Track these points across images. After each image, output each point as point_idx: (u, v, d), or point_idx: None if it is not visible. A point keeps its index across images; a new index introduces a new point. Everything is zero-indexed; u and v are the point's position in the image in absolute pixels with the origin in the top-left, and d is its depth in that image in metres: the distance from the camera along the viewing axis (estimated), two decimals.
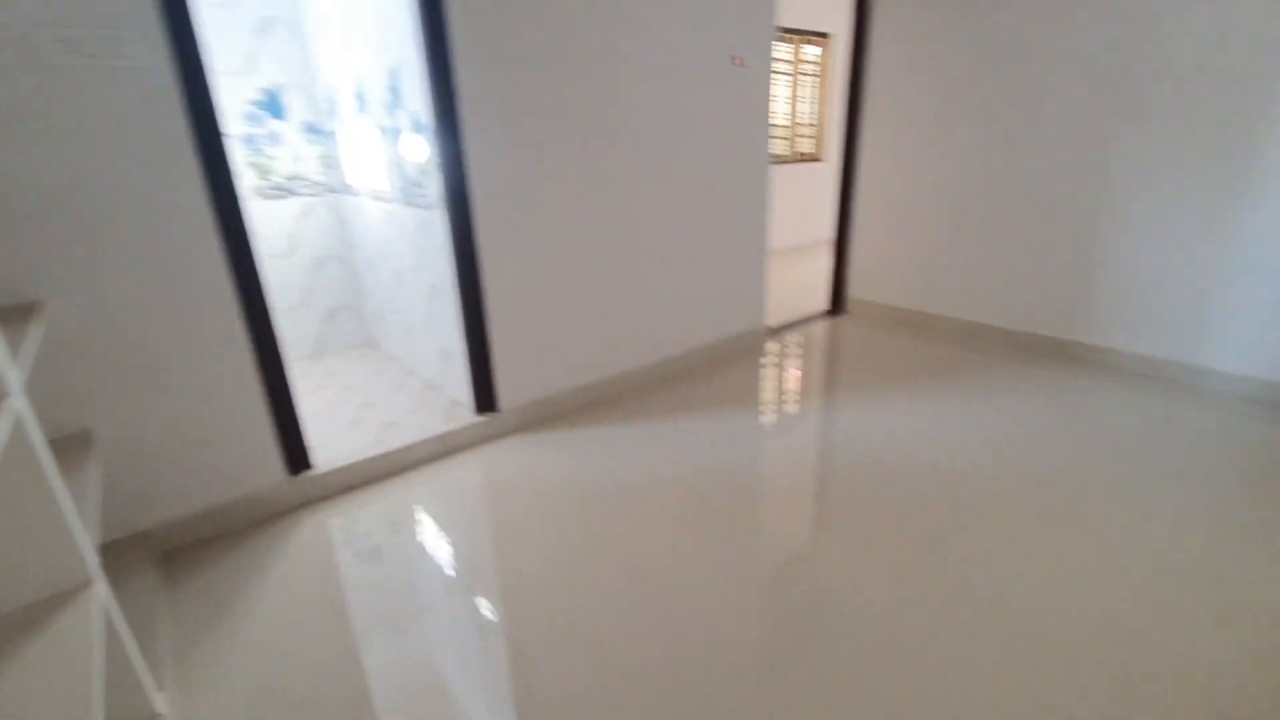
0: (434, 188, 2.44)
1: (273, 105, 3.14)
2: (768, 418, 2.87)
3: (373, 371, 3.28)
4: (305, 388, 3.03)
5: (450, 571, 1.88)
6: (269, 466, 2.11)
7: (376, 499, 2.26)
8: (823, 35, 6.12)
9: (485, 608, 1.73)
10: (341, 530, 2.09)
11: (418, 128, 2.45)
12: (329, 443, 2.46)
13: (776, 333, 3.96)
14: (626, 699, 1.40)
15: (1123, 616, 1.62)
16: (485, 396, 2.65)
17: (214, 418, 1.96)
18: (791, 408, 3.01)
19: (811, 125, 6.48)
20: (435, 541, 2.03)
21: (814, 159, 6.59)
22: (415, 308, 2.98)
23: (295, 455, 2.17)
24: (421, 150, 2.47)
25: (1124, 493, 2.18)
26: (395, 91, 2.53)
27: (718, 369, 3.38)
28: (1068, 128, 3.16)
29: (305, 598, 1.77)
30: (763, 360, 3.54)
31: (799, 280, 5.24)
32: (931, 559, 1.86)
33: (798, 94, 6.22)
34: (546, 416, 2.84)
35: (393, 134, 2.66)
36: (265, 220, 3.19)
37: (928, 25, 3.55)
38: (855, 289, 4.33)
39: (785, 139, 6.30)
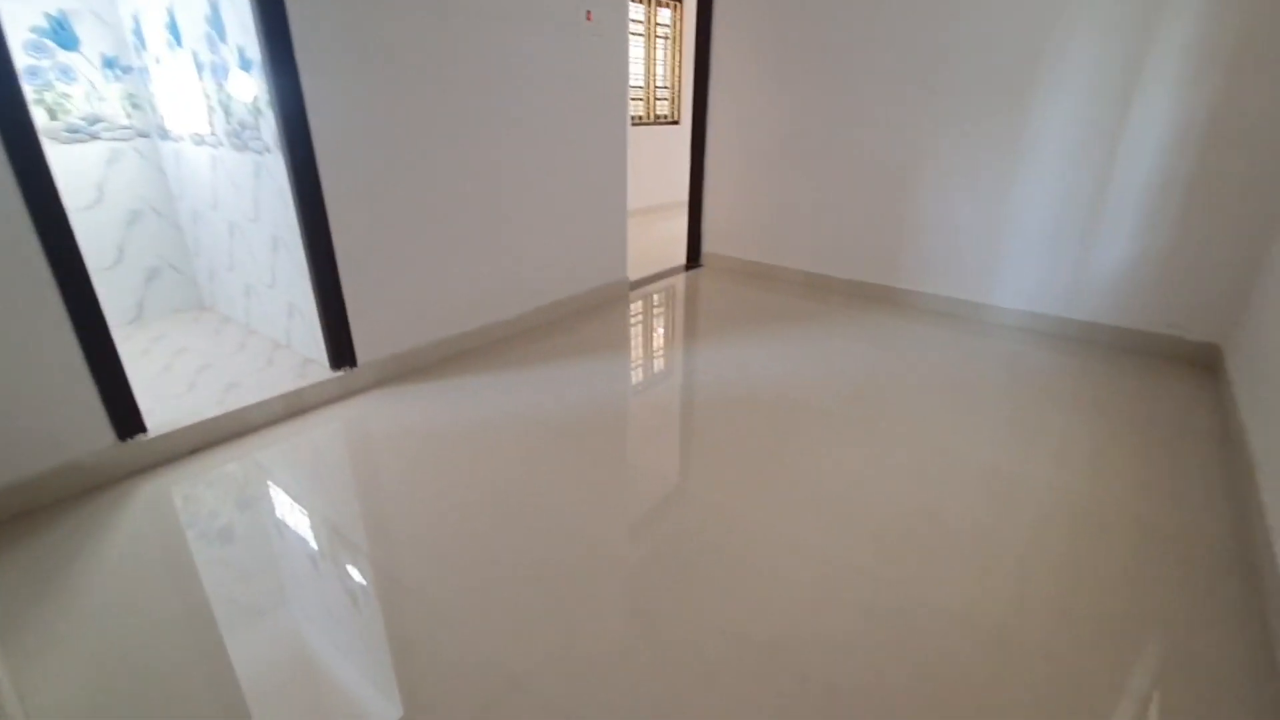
0: (269, 129, 2.28)
1: (61, 34, 2.72)
2: (631, 362, 3.03)
3: (208, 334, 3.03)
4: (129, 353, 2.74)
5: (309, 530, 1.85)
6: (94, 431, 1.92)
7: (223, 461, 2.13)
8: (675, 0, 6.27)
9: (349, 561, 1.73)
10: (184, 495, 1.96)
11: (245, 64, 2.26)
12: (163, 407, 2.27)
13: (638, 285, 4.12)
14: (513, 632, 1.50)
15: (921, 500, 1.96)
16: (341, 351, 2.56)
17: (25, 380, 1.76)
18: (653, 352, 3.19)
19: (667, 88, 6.66)
20: (291, 500, 1.97)
21: (671, 122, 6.79)
22: (256, 263, 2.78)
23: (124, 418, 1.99)
24: (250, 88, 2.29)
25: (928, 407, 2.58)
26: (216, 23, 2.31)
27: (582, 320, 3.48)
28: (884, 97, 3.55)
29: (145, 569, 1.67)
30: (625, 311, 3.69)
31: (660, 237, 5.45)
32: (774, 468, 2.11)
33: (654, 56, 6.35)
34: (408, 370, 2.80)
35: (216, 70, 2.43)
36: (63, 168, 2.80)
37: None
38: (710, 244, 4.60)
39: (643, 100, 6.42)
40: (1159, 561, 1.71)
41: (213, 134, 2.63)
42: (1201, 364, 3.02)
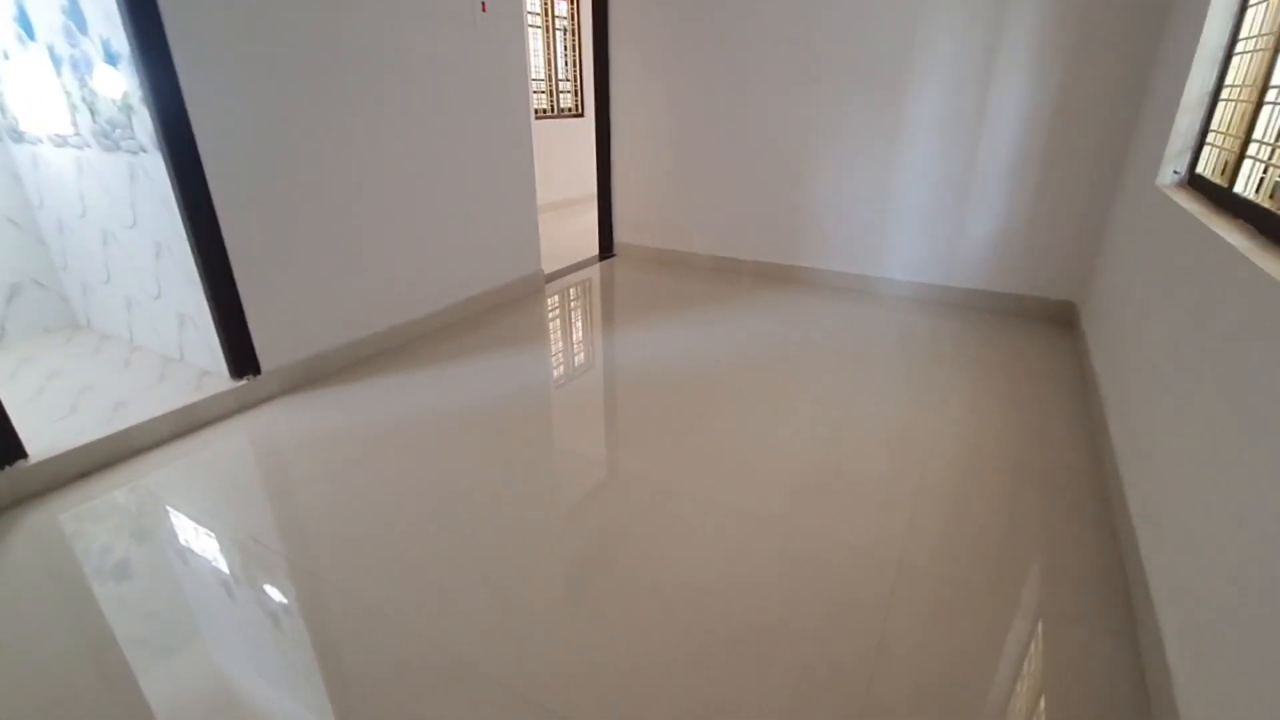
0: (143, 128, 2.14)
1: None
2: (549, 351, 3.06)
3: (85, 353, 2.80)
4: None
5: (218, 550, 1.78)
6: None
7: (116, 484, 2.00)
8: None
9: (266, 579, 1.68)
10: (74, 523, 1.83)
11: (111, 58, 2.11)
12: (45, 432, 2.10)
13: (553, 278, 4.14)
14: (450, 617, 1.51)
15: (826, 454, 2.12)
16: (242, 359, 2.45)
17: None
18: (570, 340, 3.23)
19: (569, 81, 6.67)
20: (197, 520, 1.88)
21: (576, 114, 6.81)
22: (138, 273, 2.60)
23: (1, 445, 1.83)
24: (119, 84, 2.14)
25: (830, 374, 2.77)
26: (74, 14, 2.14)
27: (498, 315, 3.47)
28: (774, 87, 3.74)
29: (36, 606, 1.55)
30: (541, 303, 3.70)
31: (574, 230, 5.48)
32: (693, 439, 2.22)
33: (553, 48, 6.34)
34: (318, 375, 2.71)
35: (78, 65, 2.25)
36: None
37: None
38: (621, 234, 4.68)
39: (546, 94, 6.41)
40: (1030, 489, 1.94)
41: (77, 134, 2.43)
42: (1062, 320, 3.40)
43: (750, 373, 2.77)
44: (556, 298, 3.85)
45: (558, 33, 6.35)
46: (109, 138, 2.31)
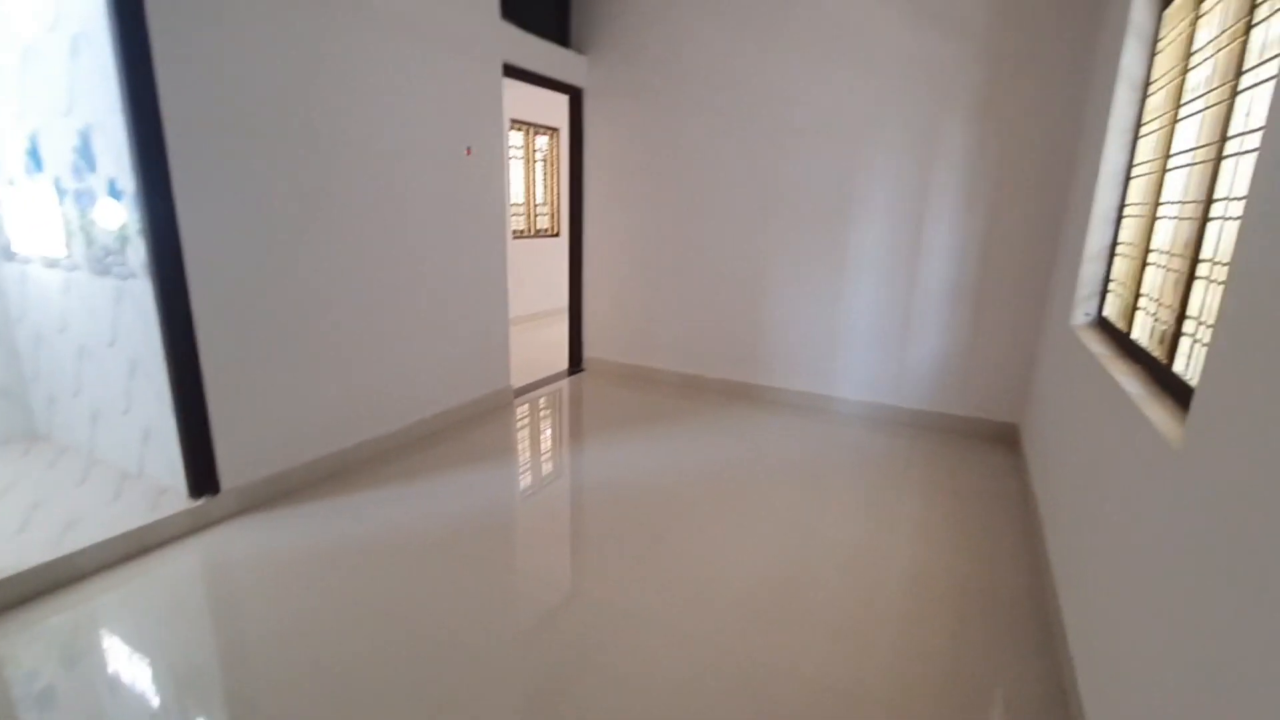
0: (136, 255, 2.28)
1: None
2: (515, 468, 3.11)
3: (41, 466, 2.77)
4: None
5: (162, 684, 1.72)
6: None
7: (61, 610, 1.94)
8: (552, 129, 6.87)
9: (198, 714, 1.63)
10: (12, 655, 1.76)
11: (115, 193, 2.28)
12: None
13: (523, 392, 4.25)
14: None
15: (780, 574, 2.16)
16: (202, 477, 2.45)
17: None
18: (538, 457, 3.29)
19: (546, 205, 7.13)
20: (134, 649, 1.83)
21: (552, 235, 7.22)
22: (109, 387, 2.64)
23: None
24: (119, 216, 2.29)
25: (785, 491, 2.85)
26: (85, 153, 2.33)
27: (466, 429, 3.53)
28: (732, 218, 4.09)
29: None
30: (510, 418, 3.78)
31: (544, 342, 5.66)
32: (651, 562, 2.25)
33: (533, 177, 6.84)
34: (279, 493, 2.70)
35: (81, 198, 2.42)
36: None
37: (630, 131, 4.32)
38: (590, 349, 4.86)
39: (524, 216, 6.82)
40: (977, 615, 2.00)
41: (69, 258, 2.55)
42: (1006, 441, 3.58)
43: (711, 492, 2.84)
44: (525, 412, 3.94)
45: (537, 163, 6.87)
46: (101, 263, 2.43)
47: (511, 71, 3.70)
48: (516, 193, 6.67)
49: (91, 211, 2.40)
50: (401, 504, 2.66)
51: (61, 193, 2.49)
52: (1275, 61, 1.28)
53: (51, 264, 2.65)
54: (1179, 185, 1.85)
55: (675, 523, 2.55)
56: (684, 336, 4.46)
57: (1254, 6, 1.43)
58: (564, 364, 4.92)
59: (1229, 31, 1.59)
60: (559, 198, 7.15)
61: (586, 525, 2.59)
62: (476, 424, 3.63)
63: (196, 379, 2.37)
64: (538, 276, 6.94)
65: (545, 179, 7.02)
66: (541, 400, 4.19)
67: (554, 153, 7.01)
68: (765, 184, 3.95)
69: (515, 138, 6.50)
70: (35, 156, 2.54)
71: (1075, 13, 3.08)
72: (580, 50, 4.33)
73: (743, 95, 3.90)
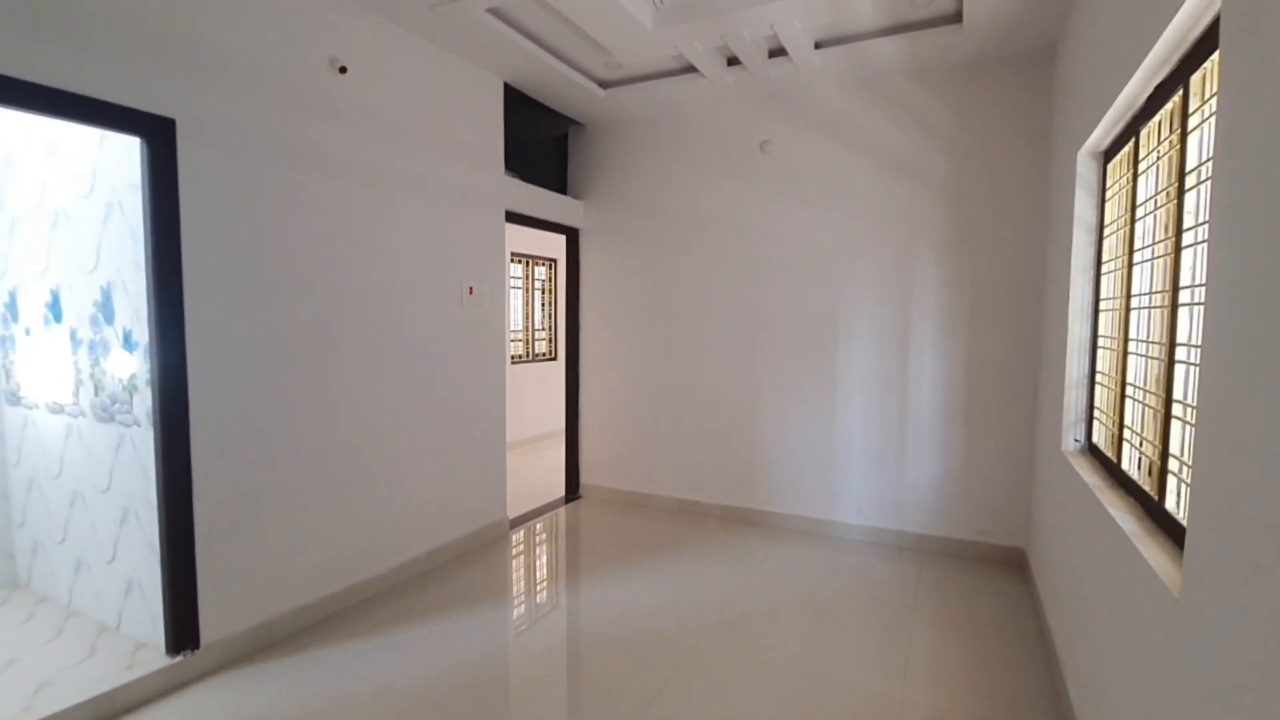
0: (142, 404, 2.33)
1: None
2: (510, 611, 2.99)
3: (18, 619, 2.66)
4: None
5: None
6: None
7: None
8: (550, 259, 7.24)
9: None
10: None
11: (129, 345, 2.37)
12: None
13: (518, 523, 4.17)
14: None
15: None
16: (183, 632, 2.35)
17: None
18: (532, 599, 3.17)
19: (545, 329, 7.36)
20: None
21: (550, 358, 7.39)
22: (97, 536, 2.59)
23: None
24: (130, 366, 2.37)
25: (790, 628, 2.73)
26: (106, 308, 2.45)
27: (460, 566, 3.43)
28: (726, 344, 4.23)
29: None
30: (505, 552, 3.69)
31: (541, 467, 5.62)
32: (659, 712, 2.11)
33: (532, 305, 7.11)
34: (263, 644, 2.58)
35: (95, 347, 2.51)
36: None
37: (623, 266, 4.56)
38: (587, 475, 4.83)
39: (523, 341, 7.02)
40: None
41: (75, 404, 2.60)
42: (1013, 565, 3.48)
43: (714, 634, 2.73)
44: (521, 545, 3.84)
45: (536, 291, 7.17)
46: (107, 410, 2.48)
47: (513, 217, 3.97)
48: (516, 320, 6.90)
49: (104, 361, 2.48)
50: (390, 656, 2.53)
51: (77, 343, 2.59)
52: (1205, 227, 1.41)
53: (56, 410, 2.69)
54: (1143, 324, 1.96)
55: (677, 673, 2.42)
56: (681, 462, 4.45)
57: (1182, 175, 1.59)
58: (561, 490, 4.87)
59: (1164, 192, 1.75)
60: (557, 323, 7.39)
61: (583, 680, 2.45)
62: (470, 560, 3.53)
63: (188, 527, 2.34)
64: (536, 400, 7.02)
65: (544, 305, 7.29)
66: (538, 529, 4.10)
67: (552, 280, 7.33)
68: (753, 313, 4.12)
69: (516, 269, 6.83)
70: (55, 309, 2.66)
71: (1031, 163, 3.38)
72: (577, 195, 4.67)
73: (725, 232, 4.17)
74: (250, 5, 2.44)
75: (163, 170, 2.20)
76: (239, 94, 2.42)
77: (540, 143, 4.48)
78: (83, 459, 2.61)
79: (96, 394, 2.52)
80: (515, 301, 6.89)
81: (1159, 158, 1.83)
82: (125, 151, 2.28)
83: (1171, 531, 1.54)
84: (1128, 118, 2.07)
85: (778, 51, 3.39)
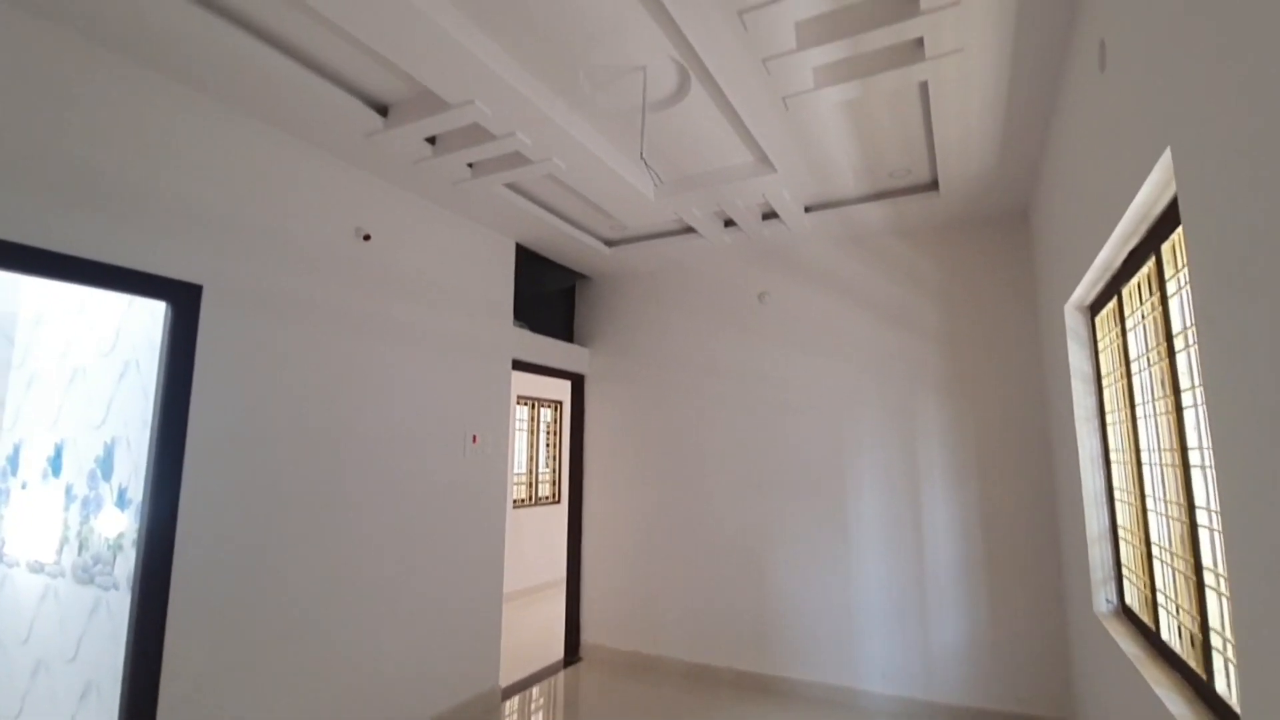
0: (124, 567, 2.25)
1: None
2: None
3: None
4: None
5: None
6: None
7: None
8: (556, 401, 7.32)
9: None
10: None
11: (122, 502, 2.34)
12: None
13: (511, 692, 3.83)
14: None
15: None
16: None
17: None
18: None
19: (549, 471, 7.26)
20: None
21: (553, 502, 7.22)
22: (56, 707, 2.39)
23: None
24: (119, 525, 2.32)
25: None
26: (105, 463, 2.44)
27: None
28: (733, 491, 4.13)
29: None
30: None
31: (538, 624, 5.27)
32: None
33: (536, 447, 7.08)
34: None
35: (88, 504, 2.47)
36: None
37: (628, 411, 4.59)
38: (588, 633, 4.51)
39: (526, 485, 6.90)
40: None
41: (57, 564, 2.52)
42: None
43: None
44: None
45: (542, 433, 7.17)
46: (87, 571, 2.39)
47: (520, 365, 4.07)
48: (520, 462, 6.84)
49: (94, 519, 2.43)
50: None
51: (71, 498, 2.55)
52: (1199, 390, 1.41)
53: (37, 569, 2.60)
54: (1157, 481, 1.90)
55: None
56: (688, 618, 4.17)
57: (1169, 337, 1.63)
58: (560, 650, 4.53)
59: (1155, 350, 1.78)
60: (561, 465, 7.31)
61: None
62: None
63: (151, 706, 2.15)
64: (538, 546, 6.76)
65: (549, 446, 7.26)
66: (534, 700, 3.75)
67: (557, 423, 7.36)
68: (758, 459, 4.07)
69: (522, 411, 6.89)
70: (56, 463, 2.66)
71: (1019, 311, 3.49)
72: (583, 343, 4.82)
73: (727, 379, 4.23)
74: (286, 182, 2.68)
75: (184, 332, 2.29)
76: (267, 260, 2.58)
77: (549, 294, 4.70)
78: (54, 623, 2.47)
79: (80, 553, 2.44)
80: (520, 443, 6.87)
81: (1144, 318, 1.89)
82: (150, 313, 2.39)
83: (1225, 717, 1.39)
84: (1107, 278, 2.16)
85: (771, 215, 3.65)
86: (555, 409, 7.34)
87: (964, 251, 3.68)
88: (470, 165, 3.02)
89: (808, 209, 3.58)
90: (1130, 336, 2.06)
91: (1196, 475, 1.54)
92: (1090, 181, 2.00)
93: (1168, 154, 1.29)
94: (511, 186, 3.28)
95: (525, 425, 6.98)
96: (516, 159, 2.90)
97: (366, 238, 2.98)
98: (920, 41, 2.12)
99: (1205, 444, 1.48)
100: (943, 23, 1.99)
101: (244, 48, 2.11)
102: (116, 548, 2.30)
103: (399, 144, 2.71)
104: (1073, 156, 2.23)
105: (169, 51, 2.15)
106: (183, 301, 2.29)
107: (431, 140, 2.80)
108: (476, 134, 2.68)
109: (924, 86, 2.43)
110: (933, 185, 3.30)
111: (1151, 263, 1.73)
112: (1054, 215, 2.70)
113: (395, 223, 3.18)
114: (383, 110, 2.60)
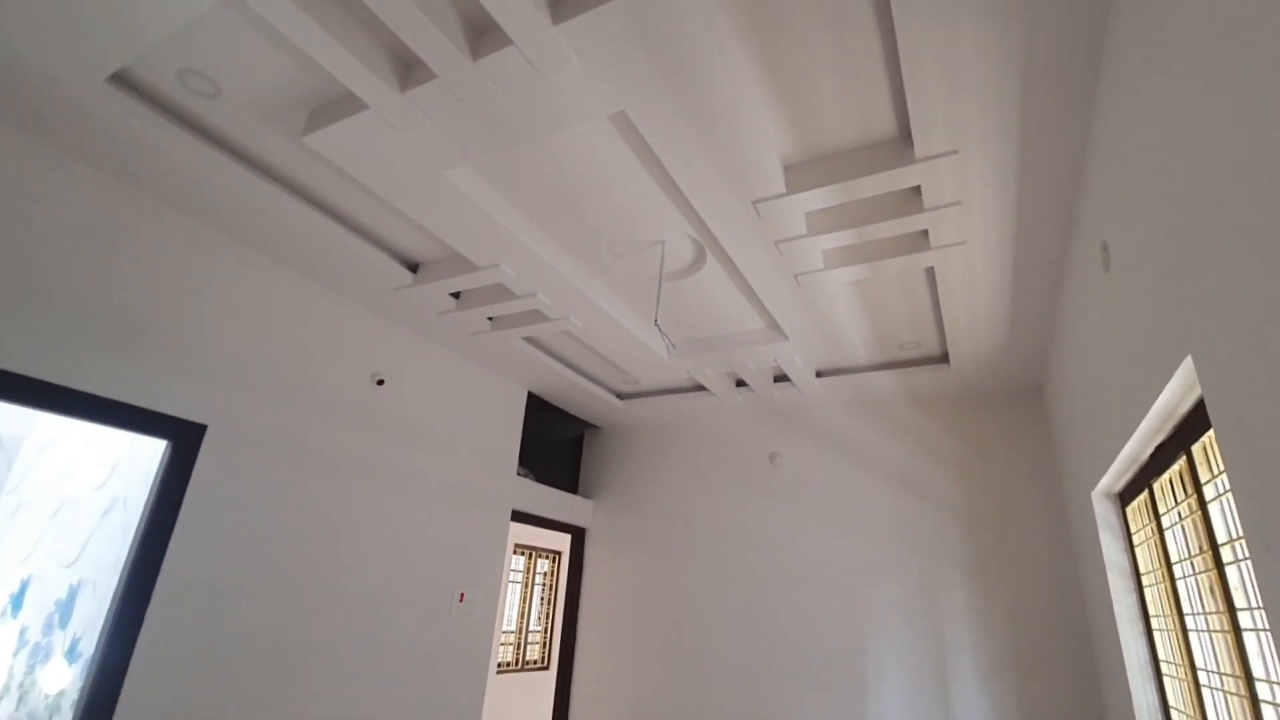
0: None
1: None
2: None
3: None
4: None
5: None
6: None
7: None
8: (555, 552, 6.98)
9: None
10: None
11: (72, 655, 2.15)
12: None
13: None
14: None
15: None
16: None
17: None
18: None
19: (541, 631, 6.74)
20: None
21: (541, 667, 6.62)
22: None
23: None
24: (62, 681, 2.11)
25: None
26: (66, 608, 2.28)
27: None
28: (741, 672, 3.74)
29: None
30: None
31: None
32: None
33: (531, 599, 6.64)
34: None
35: (37, 652, 2.28)
36: None
37: (630, 571, 4.33)
38: None
39: (514, 645, 6.38)
40: None
41: None
42: None
43: None
44: None
45: (536, 587, 6.76)
46: None
47: (520, 516, 3.91)
48: (510, 618, 6.38)
49: (39, 670, 2.22)
50: None
51: (22, 643, 2.36)
52: (1261, 613, 1.27)
53: None
54: (1220, 706, 1.68)
55: None
56: None
57: (1215, 547, 1.51)
58: None
59: (1200, 557, 1.65)
60: (554, 625, 6.81)
61: None
62: None
63: None
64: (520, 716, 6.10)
65: (544, 600, 6.81)
66: None
67: (554, 575, 6.96)
68: (767, 633, 3.74)
69: (518, 560, 6.55)
70: (18, 600, 2.50)
71: (1039, 491, 3.35)
72: (587, 495, 4.67)
73: (735, 543, 4.01)
74: (307, 326, 2.75)
75: (178, 471, 2.24)
76: (276, 401, 2.58)
77: (556, 442, 4.65)
78: None
79: (18, 707, 2.21)
80: (513, 598, 6.46)
81: (1181, 517, 1.78)
82: (151, 449, 2.35)
83: None
84: (1135, 469, 2.08)
85: (782, 377, 3.67)
86: (553, 560, 6.98)
87: (979, 424, 3.62)
88: (490, 319, 3.12)
89: (819, 374, 3.60)
90: (1168, 534, 1.93)
91: (1268, 712, 1.35)
92: (1107, 374, 1.99)
93: (1189, 361, 1.27)
94: (529, 340, 3.36)
95: (521, 576, 6.61)
96: (536, 315, 2.99)
97: (380, 382, 3.01)
98: (925, 233, 2.23)
99: (1274, 675, 1.32)
100: (945, 218, 2.11)
101: (293, 210, 2.26)
102: (54, 708, 2.07)
103: (425, 297, 2.82)
104: (1085, 346, 2.24)
105: (218, 208, 2.31)
106: (184, 441, 2.26)
107: (456, 294, 2.92)
108: (499, 292, 2.79)
109: (930, 271, 2.52)
110: (943, 358, 3.33)
111: (1183, 462, 1.66)
112: (1070, 398, 2.68)
113: (410, 368, 3.23)
114: (413, 267, 2.74)
